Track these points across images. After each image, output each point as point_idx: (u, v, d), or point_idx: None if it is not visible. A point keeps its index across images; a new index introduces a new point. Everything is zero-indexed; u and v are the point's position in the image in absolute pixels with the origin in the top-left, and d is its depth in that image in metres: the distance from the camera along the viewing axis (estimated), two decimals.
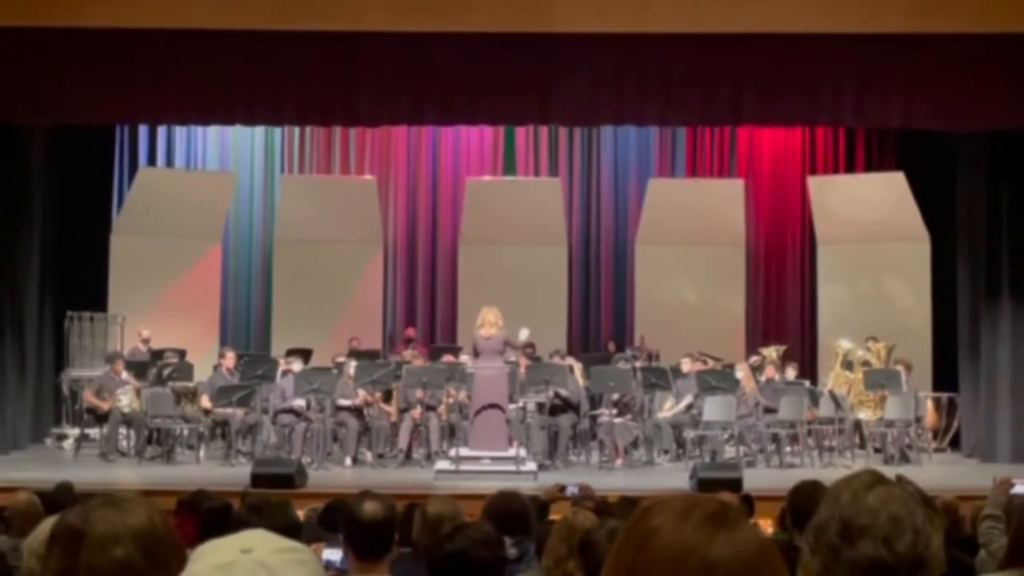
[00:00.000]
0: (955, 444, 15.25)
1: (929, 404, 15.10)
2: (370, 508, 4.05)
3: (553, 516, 6.67)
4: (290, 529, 4.00)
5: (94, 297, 15.87)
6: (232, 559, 1.42)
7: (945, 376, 15.47)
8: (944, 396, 15.40)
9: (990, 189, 14.62)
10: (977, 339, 14.76)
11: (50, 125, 14.33)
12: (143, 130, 17.36)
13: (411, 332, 17.28)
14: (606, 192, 18.55)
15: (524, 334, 13.43)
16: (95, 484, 9.92)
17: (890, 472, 2.12)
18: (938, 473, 12.91)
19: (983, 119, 13.21)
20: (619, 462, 13.51)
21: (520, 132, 18.21)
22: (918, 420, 14.37)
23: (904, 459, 13.80)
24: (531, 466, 12.43)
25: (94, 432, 14.19)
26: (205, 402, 13.91)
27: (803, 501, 5.04)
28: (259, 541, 1.46)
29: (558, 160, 18.49)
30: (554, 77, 12.91)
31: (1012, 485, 5.47)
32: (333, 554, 4.57)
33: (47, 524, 2.51)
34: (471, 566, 3.38)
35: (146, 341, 15.33)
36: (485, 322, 12.86)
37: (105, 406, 13.78)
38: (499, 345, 12.92)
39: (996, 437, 14.36)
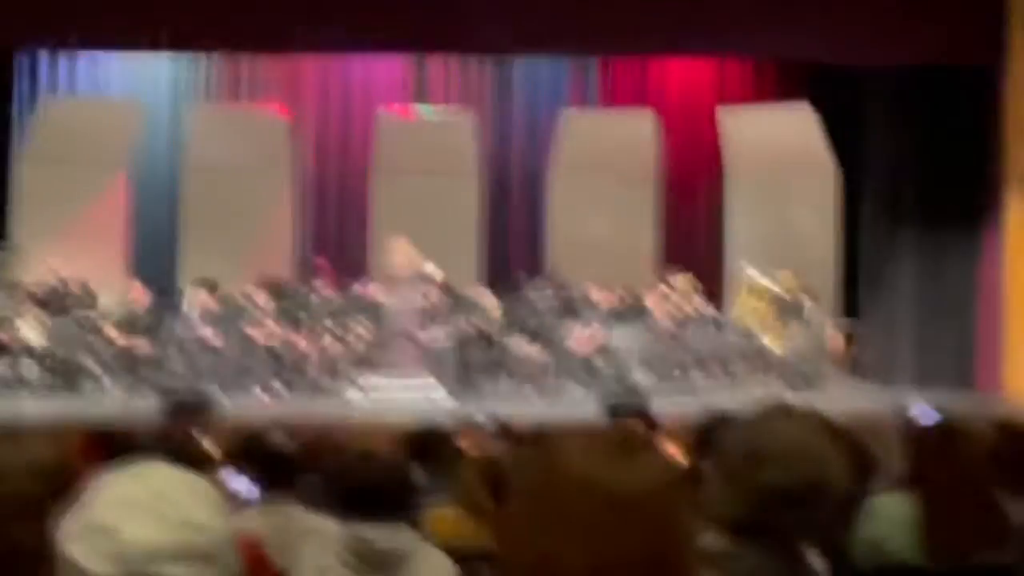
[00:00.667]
0: (857, 370, 15.57)
1: (832, 331, 15.38)
2: (278, 438, 4.05)
3: (463, 445, 6.72)
4: (197, 460, 3.98)
5: None
6: (131, 492, 1.41)
7: (849, 305, 15.77)
8: (847, 323, 15.70)
9: (896, 122, 14.82)
10: (879, 269, 15.05)
11: None
12: (44, 56, 16.91)
13: (321, 262, 17.12)
14: (519, 124, 18.45)
15: (429, 269, 13.43)
16: None
17: (795, 399, 2.16)
18: (840, 398, 13.18)
19: (887, 53, 13.37)
20: (530, 391, 13.59)
21: (432, 62, 18.02)
22: (821, 347, 14.63)
23: (808, 385, 14.06)
24: (442, 395, 12.47)
25: None
26: (111, 332, 13.71)
27: (709, 428, 5.13)
28: (157, 473, 1.44)
29: (470, 91, 18.34)
30: (464, 5, 12.80)
31: (909, 409, 5.60)
32: (241, 483, 4.56)
33: None
34: (379, 495, 3.38)
35: (54, 272, 15.05)
36: (396, 255, 12.81)
37: (7, 337, 13.53)
38: (411, 276, 12.90)
39: (895, 363, 14.70)
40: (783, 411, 2.12)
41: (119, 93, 17.63)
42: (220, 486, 4.11)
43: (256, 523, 3.78)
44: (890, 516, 3.76)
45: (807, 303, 14.51)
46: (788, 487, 2.01)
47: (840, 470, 2.08)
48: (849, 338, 15.71)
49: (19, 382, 13.55)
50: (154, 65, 17.53)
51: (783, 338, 14.69)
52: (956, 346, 14.52)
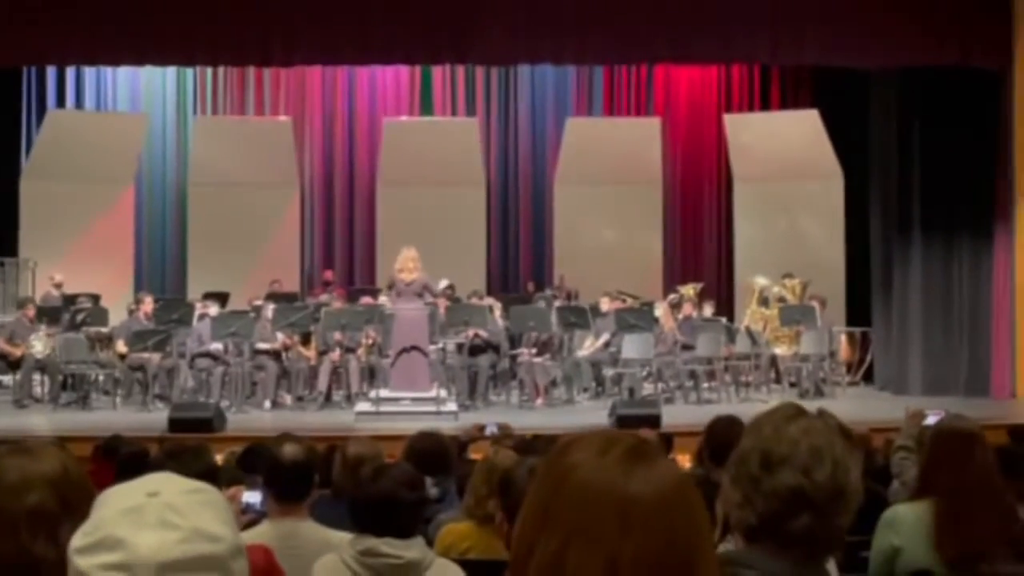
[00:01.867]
0: (868, 378, 15.53)
1: (843, 339, 15.35)
2: (290, 451, 4.03)
3: (474, 455, 6.70)
4: (207, 473, 3.96)
5: (4, 242, 15.57)
6: (139, 503, 1.39)
7: (858, 311, 15.73)
8: (857, 331, 15.66)
9: (902, 126, 14.77)
10: (889, 274, 15.00)
11: None
12: (51, 72, 16.96)
13: (329, 275, 17.15)
14: (524, 132, 18.50)
15: (443, 284, 13.45)
16: (9, 431, 9.78)
17: (806, 406, 2.14)
18: (852, 406, 13.11)
19: (895, 56, 13.35)
20: (539, 401, 13.57)
21: (437, 72, 18.05)
22: (832, 355, 14.60)
23: (819, 393, 14.02)
24: (452, 406, 12.46)
25: (7, 379, 13.96)
26: (120, 347, 13.71)
27: (720, 436, 5.10)
28: (165, 484, 1.42)
29: (475, 100, 18.37)
30: (470, 16, 12.81)
31: (924, 417, 5.57)
32: (253, 496, 4.54)
33: None
34: (393, 507, 3.36)
35: (59, 286, 15.07)
36: (405, 267, 12.76)
37: (18, 352, 13.54)
38: (419, 288, 12.89)
39: (908, 370, 14.63)
40: (798, 414, 2.10)
41: (125, 106, 17.67)
42: (232, 500, 4.10)
43: (268, 536, 3.76)
44: (907, 524, 3.73)
45: (817, 310, 14.46)
46: (804, 490, 1.99)
47: (857, 474, 2.06)
48: (860, 345, 15.66)
49: (30, 397, 13.55)
50: (160, 78, 17.57)
51: (793, 345, 14.64)
52: (969, 351, 14.45)
